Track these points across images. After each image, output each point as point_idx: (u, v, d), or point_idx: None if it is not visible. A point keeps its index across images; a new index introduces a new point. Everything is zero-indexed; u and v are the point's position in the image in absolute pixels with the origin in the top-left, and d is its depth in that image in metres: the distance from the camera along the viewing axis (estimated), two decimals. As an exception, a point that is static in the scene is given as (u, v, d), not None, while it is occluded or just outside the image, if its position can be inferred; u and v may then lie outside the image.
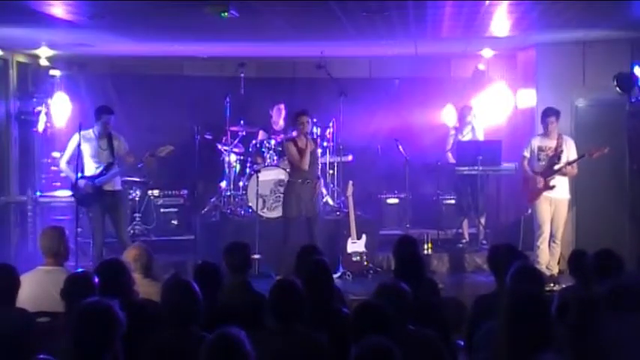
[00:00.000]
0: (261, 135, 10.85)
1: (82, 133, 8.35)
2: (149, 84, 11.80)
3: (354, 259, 9.54)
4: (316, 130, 10.43)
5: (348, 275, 9.47)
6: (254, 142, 10.69)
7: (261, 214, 9.70)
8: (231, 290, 5.17)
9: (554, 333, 3.45)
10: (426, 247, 10.10)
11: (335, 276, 8.26)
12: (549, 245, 8.97)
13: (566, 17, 8.14)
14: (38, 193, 10.14)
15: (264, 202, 9.84)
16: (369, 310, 3.87)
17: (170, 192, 11.27)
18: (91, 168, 8.43)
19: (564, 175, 8.93)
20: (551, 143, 8.98)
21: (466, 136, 10.57)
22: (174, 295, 4.22)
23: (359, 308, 3.92)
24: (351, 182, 9.75)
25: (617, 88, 9.07)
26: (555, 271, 8.96)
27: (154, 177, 10.89)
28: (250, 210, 9.92)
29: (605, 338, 3.35)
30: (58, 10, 7.55)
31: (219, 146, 10.72)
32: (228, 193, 10.60)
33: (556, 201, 8.98)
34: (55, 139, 10.67)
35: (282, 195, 9.45)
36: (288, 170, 9.37)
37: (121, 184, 8.75)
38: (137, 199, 10.86)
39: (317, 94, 11.34)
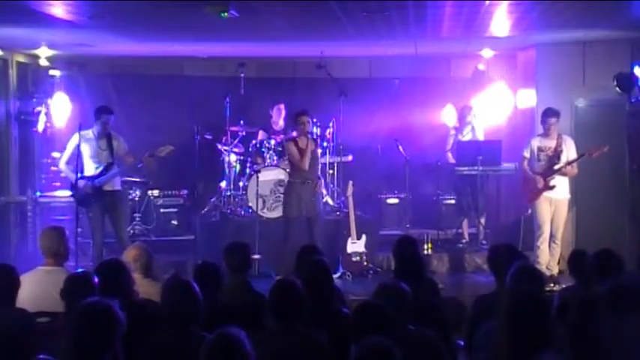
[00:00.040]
0: (261, 135, 10.85)
1: (82, 133, 8.35)
2: (149, 84, 11.80)
3: (354, 259, 9.54)
4: (316, 130, 10.44)
5: (348, 275, 9.47)
6: (254, 142, 10.70)
7: (261, 214, 9.70)
8: (231, 290, 5.17)
9: (554, 333, 3.44)
10: (426, 247, 10.10)
11: (335, 276, 8.27)
12: (549, 245, 8.97)
13: (566, 17, 8.14)
14: (38, 193, 10.15)
15: (264, 202, 9.84)
16: (369, 310, 3.87)
17: (170, 192, 11.27)
18: (90, 168, 8.43)
19: (564, 175, 8.93)
20: (551, 143, 8.98)
21: (466, 136, 10.56)
22: (174, 295, 4.22)
23: (359, 308, 3.91)
24: (351, 182, 9.75)
25: (617, 88, 9.07)
26: (555, 271, 8.96)
27: (154, 177, 10.89)
28: (250, 210, 9.92)
29: (605, 338, 3.35)
30: (58, 10, 7.55)
31: (219, 146, 10.72)
32: (228, 193, 10.60)
33: (556, 201, 8.98)
34: (54, 139, 10.66)
35: (282, 195, 9.46)
36: (288, 170, 9.37)
37: (120, 185, 8.74)
38: (137, 199, 10.86)
39: (317, 94, 11.34)
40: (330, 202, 10.55)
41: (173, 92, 11.71)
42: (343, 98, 10.46)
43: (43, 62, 10.67)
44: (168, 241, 10.56)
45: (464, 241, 10.60)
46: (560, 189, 8.97)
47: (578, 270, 5.34)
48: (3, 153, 10.10)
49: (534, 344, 3.40)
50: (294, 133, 9.18)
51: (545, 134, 9.02)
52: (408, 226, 10.42)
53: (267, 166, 10.14)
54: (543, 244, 8.94)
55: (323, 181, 9.74)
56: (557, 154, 8.92)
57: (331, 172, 10.76)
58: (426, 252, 10.00)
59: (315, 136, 10.00)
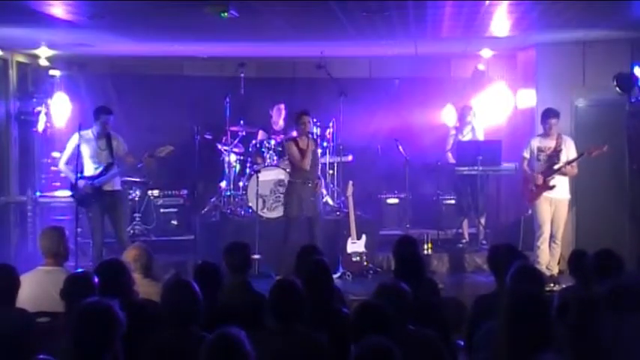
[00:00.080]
0: (261, 135, 10.85)
1: (81, 133, 8.35)
2: (149, 84, 11.79)
3: (354, 259, 9.54)
4: (316, 130, 10.43)
5: (348, 275, 9.47)
6: (254, 142, 10.70)
7: (261, 214, 9.70)
8: (231, 290, 5.17)
9: (554, 333, 3.45)
10: (426, 247, 10.10)
11: (335, 276, 8.27)
12: (549, 245, 8.97)
13: (566, 17, 8.14)
14: (38, 194, 10.15)
15: (264, 202, 9.84)
16: (369, 310, 3.86)
17: (170, 192, 11.27)
18: (90, 168, 8.43)
19: (564, 174, 8.93)
20: (551, 143, 8.98)
21: (466, 136, 10.56)
22: (175, 295, 4.22)
23: (359, 308, 3.91)
24: (351, 182, 9.75)
25: (617, 88, 9.07)
26: (555, 271, 8.96)
27: (154, 177, 10.88)
28: (250, 210, 9.92)
29: (605, 338, 3.35)
30: (58, 10, 7.55)
31: (219, 146, 10.72)
32: (228, 193, 10.60)
33: (556, 201, 8.98)
34: (54, 139, 10.66)
35: (282, 195, 9.46)
36: (288, 170, 9.37)
37: (120, 185, 8.74)
38: (137, 199, 10.86)
39: (317, 94, 11.34)
40: (330, 202, 10.55)
41: (173, 92, 11.71)
42: (343, 98, 10.46)
43: (43, 62, 10.67)
44: (168, 241, 10.56)
45: (464, 241, 10.60)
46: (560, 189, 8.97)
47: (578, 270, 5.34)
48: (3, 153, 10.10)
49: (534, 344, 3.40)
50: (295, 133, 9.18)
51: (545, 134, 9.02)
52: (408, 226, 10.42)
53: (267, 166, 10.14)
54: (543, 244, 8.94)
55: (323, 181, 9.75)
56: (556, 153, 8.92)
57: (331, 172, 10.76)
58: (426, 252, 10.00)
59: (315, 136, 10.00)
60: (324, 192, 10.21)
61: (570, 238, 9.85)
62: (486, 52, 11.03)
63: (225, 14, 6.96)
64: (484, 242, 10.28)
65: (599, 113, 10.07)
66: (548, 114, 8.97)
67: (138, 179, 10.64)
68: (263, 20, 8.08)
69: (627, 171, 9.72)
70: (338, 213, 10.34)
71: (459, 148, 10.43)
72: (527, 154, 9.09)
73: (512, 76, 11.32)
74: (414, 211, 11.16)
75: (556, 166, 8.89)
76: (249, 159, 10.52)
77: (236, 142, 10.71)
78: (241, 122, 10.82)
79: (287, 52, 11.26)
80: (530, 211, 9.21)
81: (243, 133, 10.79)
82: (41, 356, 3.58)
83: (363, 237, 9.60)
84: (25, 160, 10.56)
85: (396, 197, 11.52)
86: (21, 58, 10.45)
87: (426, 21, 8.42)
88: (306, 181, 8.89)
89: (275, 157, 10.28)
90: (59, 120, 10.71)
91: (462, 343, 4.85)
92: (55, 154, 10.08)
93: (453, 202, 11.09)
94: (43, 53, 10.45)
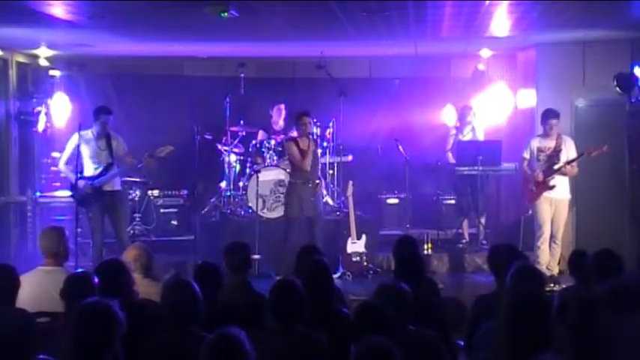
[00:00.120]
0: (261, 135, 10.85)
1: (81, 133, 8.35)
2: (149, 84, 11.79)
3: (354, 259, 9.54)
4: (316, 130, 10.43)
5: (348, 275, 9.46)
6: (254, 142, 10.69)
7: (261, 214, 9.70)
8: (231, 290, 5.17)
9: (554, 333, 3.44)
10: (426, 247, 10.10)
11: (335, 276, 8.27)
12: (550, 245, 8.97)
13: (566, 17, 8.14)
14: (38, 194, 10.16)
15: (264, 202, 9.84)
16: (369, 310, 3.86)
17: (170, 192, 11.27)
18: (90, 169, 8.43)
19: (564, 174, 8.93)
20: (551, 143, 8.98)
21: (466, 136, 10.56)
22: (175, 295, 4.22)
23: (359, 308, 3.91)
24: (351, 182, 9.75)
25: (617, 88, 9.07)
26: (555, 271, 8.96)
27: (154, 177, 10.88)
28: (250, 210, 9.92)
29: (605, 338, 3.35)
30: (58, 10, 7.55)
31: (219, 146, 10.72)
32: (228, 193, 10.60)
33: (556, 201, 8.98)
34: (54, 140, 10.66)
35: (282, 195, 9.46)
36: (288, 171, 9.37)
37: (120, 185, 8.74)
38: (137, 199, 10.86)
39: (317, 94, 11.35)
40: (330, 202, 10.55)
41: (173, 92, 11.71)
42: (343, 98, 10.46)
43: (43, 62, 10.68)
44: (168, 241, 10.57)
45: (464, 241, 10.60)
46: (561, 189, 8.97)
47: (578, 270, 5.34)
48: (3, 153, 10.09)
49: (534, 344, 3.40)
50: (295, 134, 9.17)
51: (545, 135, 9.02)
52: (408, 226, 10.42)
53: (267, 166, 10.14)
54: (543, 244, 8.94)
55: (323, 181, 9.75)
56: (556, 153, 8.92)
57: (331, 172, 10.76)
58: (426, 252, 10.00)
59: (315, 137, 10.00)
60: (324, 192, 10.21)
61: (570, 238, 9.85)
62: (486, 52, 11.03)
63: (225, 14, 6.96)
64: (484, 242, 10.28)
65: (599, 113, 10.07)
66: (549, 114, 8.97)
67: (138, 179, 10.65)
68: (263, 20, 8.08)
69: (627, 171, 9.72)
70: (338, 213, 10.33)
71: (459, 148, 10.43)
72: (527, 155, 9.09)
73: (512, 76, 11.32)
74: (414, 211, 11.16)
75: (556, 166, 8.89)
76: (249, 159, 10.52)
77: (236, 142, 10.71)
78: (241, 122, 10.82)
79: (287, 52, 11.26)
80: (530, 212, 9.21)
81: (243, 133, 10.79)
82: (41, 356, 3.58)
83: (363, 237, 9.60)
84: (25, 160, 10.56)
85: (396, 197, 11.52)
86: (21, 58, 10.45)
87: (426, 21, 8.42)
88: (307, 181, 8.89)
89: (275, 157, 10.28)
90: (59, 120, 10.71)
91: (462, 343, 4.85)
92: (55, 154, 10.08)
93: (453, 202, 11.09)
94: (43, 53, 10.45)
